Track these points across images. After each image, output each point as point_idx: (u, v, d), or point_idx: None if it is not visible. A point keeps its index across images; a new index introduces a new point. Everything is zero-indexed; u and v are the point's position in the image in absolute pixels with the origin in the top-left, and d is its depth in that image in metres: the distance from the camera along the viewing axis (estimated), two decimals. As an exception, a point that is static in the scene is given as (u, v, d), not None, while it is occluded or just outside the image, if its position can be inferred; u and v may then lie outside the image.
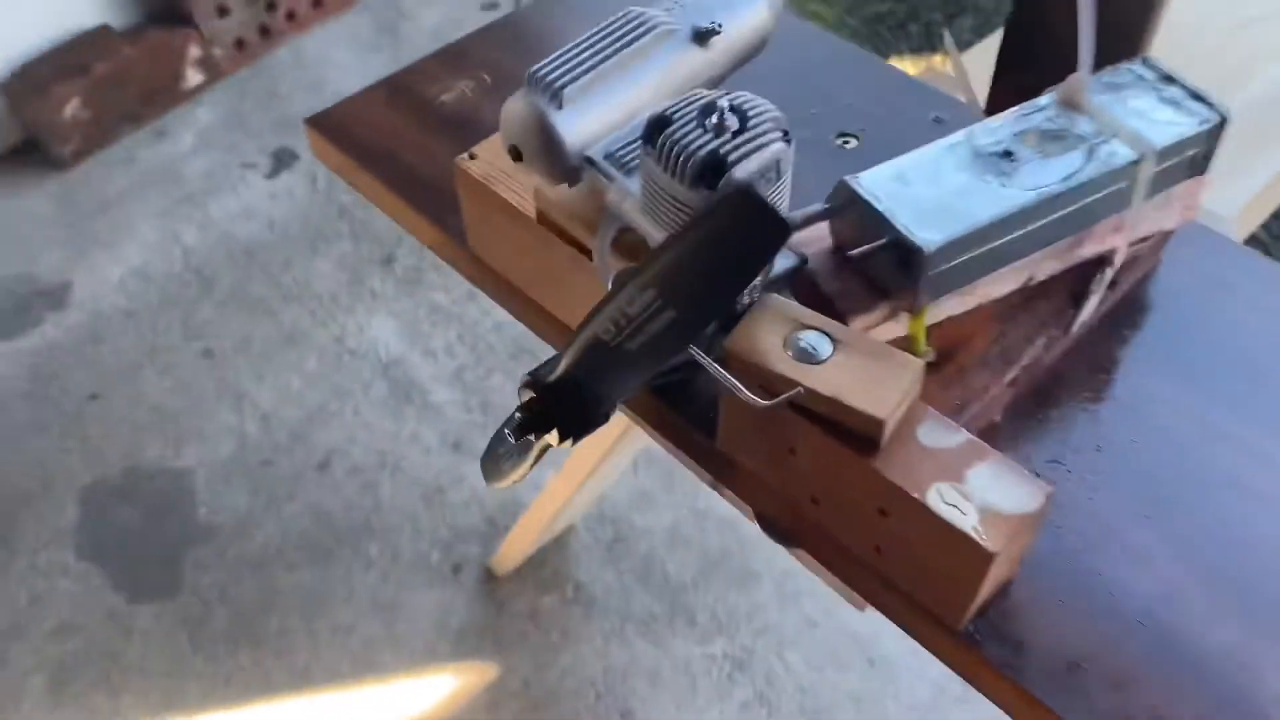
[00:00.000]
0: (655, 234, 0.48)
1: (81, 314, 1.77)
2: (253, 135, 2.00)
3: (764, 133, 0.45)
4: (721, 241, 0.38)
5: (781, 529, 0.55)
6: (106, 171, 1.96)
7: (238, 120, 2.03)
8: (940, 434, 0.48)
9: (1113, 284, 0.59)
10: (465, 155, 0.60)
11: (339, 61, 2.12)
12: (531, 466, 0.56)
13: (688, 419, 0.56)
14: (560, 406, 0.47)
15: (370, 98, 0.74)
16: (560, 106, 0.49)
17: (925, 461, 0.47)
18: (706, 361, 0.48)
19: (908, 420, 0.48)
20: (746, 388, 0.46)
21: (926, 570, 0.48)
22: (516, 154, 0.51)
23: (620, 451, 1.21)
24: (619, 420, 1.10)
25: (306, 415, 1.64)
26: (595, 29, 0.51)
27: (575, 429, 0.48)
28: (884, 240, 0.50)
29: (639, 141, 0.47)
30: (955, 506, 0.45)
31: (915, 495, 0.46)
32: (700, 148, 0.44)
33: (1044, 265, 0.57)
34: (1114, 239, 0.57)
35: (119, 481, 1.58)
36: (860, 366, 0.47)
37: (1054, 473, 0.54)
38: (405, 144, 0.71)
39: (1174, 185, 0.56)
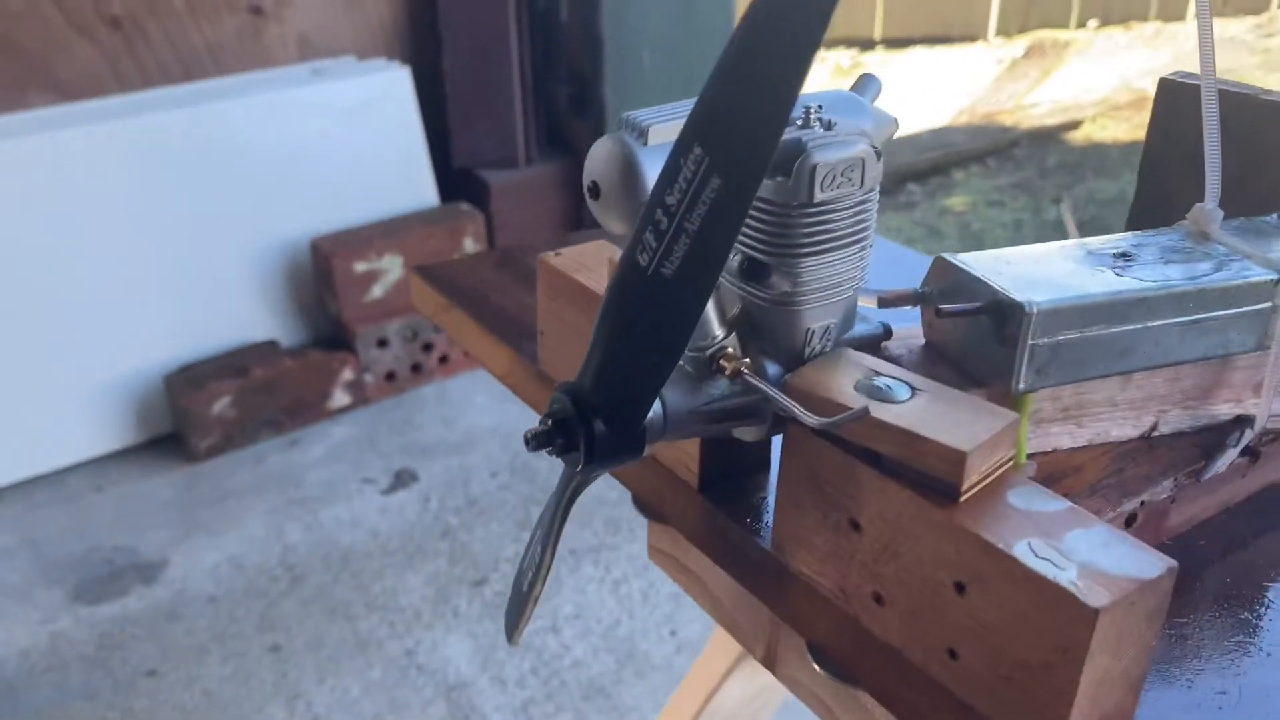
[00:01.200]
0: (725, 254, 0.45)
1: (167, 591, 1.75)
2: (380, 455, 2.05)
3: (850, 135, 0.42)
4: (760, 30, 0.32)
5: (840, 661, 0.45)
6: (233, 469, 2.02)
7: (369, 441, 2.09)
8: (1037, 499, 0.39)
9: (1256, 456, 0.50)
10: (550, 254, 0.58)
11: (478, 405, 2.21)
12: (549, 563, 0.49)
13: (738, 524, 0.49)
14: (591, 414, 0.41)
15: (479, 259, 0.75)
16: (645, 143, 0.48)
17: (1015, 520, 0.38)
18: (762, 384, 0.42)
19: (998, 482, 0.40)
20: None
21: (1011, 669, 0.37)
22: (595, 191, 0.49)
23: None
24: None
25: (357, 726, 1.52)
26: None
27: (605, 446, 0.41)
28: (979, 304, 0.45)
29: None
30: (1049, 561, 0.36)
31: (999, 546, 0.37)
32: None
33: (1170, 415, 0.50)
34: (1252, 399, 0.50)
35: (145, 762, 1.47)
36: (942, 410, 0.41)
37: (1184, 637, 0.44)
38: (498, 292, 0.70)
39: (1323, 341, 0.50)
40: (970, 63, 4.95)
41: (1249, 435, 0.50)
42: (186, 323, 2.06)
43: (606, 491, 1.97)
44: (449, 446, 2.08)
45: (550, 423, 0.42)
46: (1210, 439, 0.50)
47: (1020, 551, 0.36)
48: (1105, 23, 5.36)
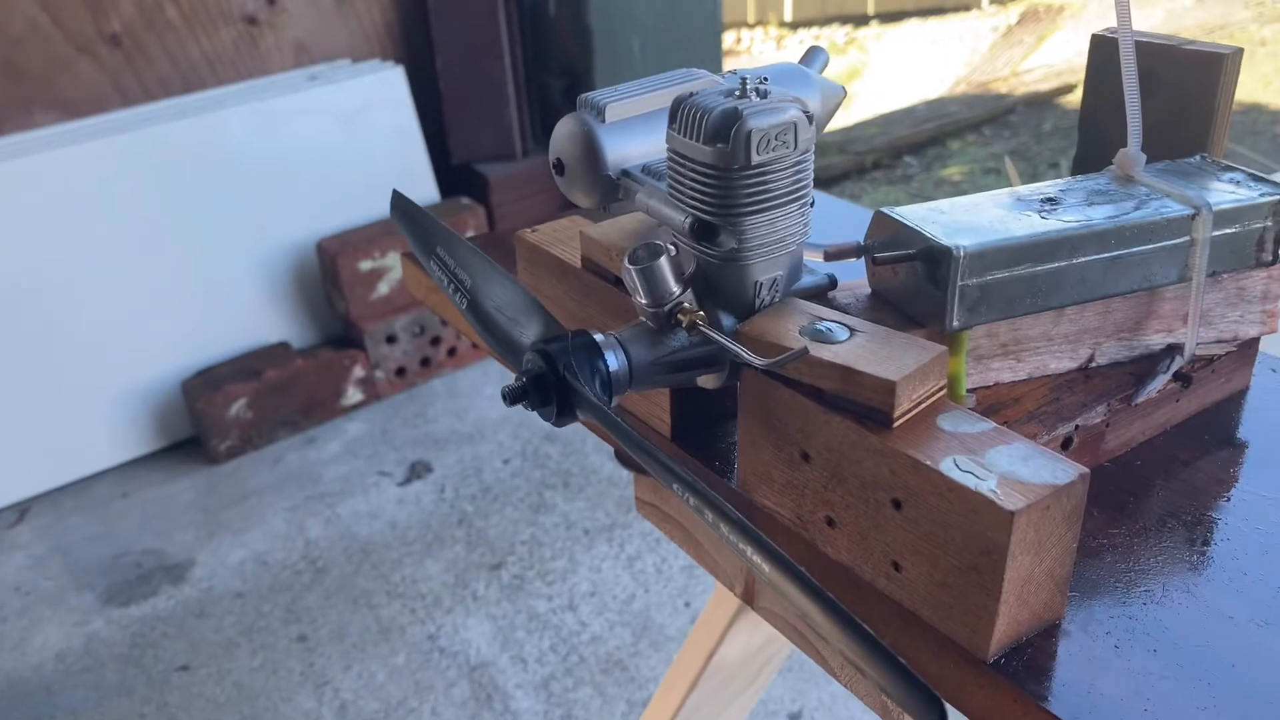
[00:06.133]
0: (677, 218, 0.48)
1: (195, 590, 1.80)
2: (394, 448, 2.10)
3: (783, 103, 0.46)
4: None
5: (799, 584, 0.49)
6: (252, 468, 2.07)
7: (383, 435, 2.14)
8: (964, 422, 0.43)
9: (1188, 381, 0.54)
10: (528, 230, 0.62)
11: (487, 395, 2.25)
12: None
13: (707, 468, 0.53)
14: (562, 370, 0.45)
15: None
16: (603, 121, 0.52)
17: (943, 440, 0.42)
18: (714, 333, 0.46)
19: (929, 410, 0.44)
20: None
21: (945, 575, 0.41)
22: (559, 167, 0.53)
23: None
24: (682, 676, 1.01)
25: (384, 709, 1.57)
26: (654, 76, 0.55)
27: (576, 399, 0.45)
28: (913, 250, 0.48)
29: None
30: (971, 473, 0.40)
31: (927, 463, 0.41)
32: (718, 106, 0.45)
33: (1105, 346, 0.54)
34: (1181, 329, 0.54)
35: (182, 752, 1.52)
36: (876, 347, 0.44)
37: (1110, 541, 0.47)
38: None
39: (1243, 268, 0.53)
40: (965, 32, 4.96)
41: (1178, 362, 0.53)
42: (200, 328, 2.11)
43: (617, 473, 2.01)
44: (461, 437, 2.12)
45: (525, 379, 0.46)
46: (1144, 368, 0.54)
47: (946, 467, 0.40)
48: (1098, -15, 5.34)
